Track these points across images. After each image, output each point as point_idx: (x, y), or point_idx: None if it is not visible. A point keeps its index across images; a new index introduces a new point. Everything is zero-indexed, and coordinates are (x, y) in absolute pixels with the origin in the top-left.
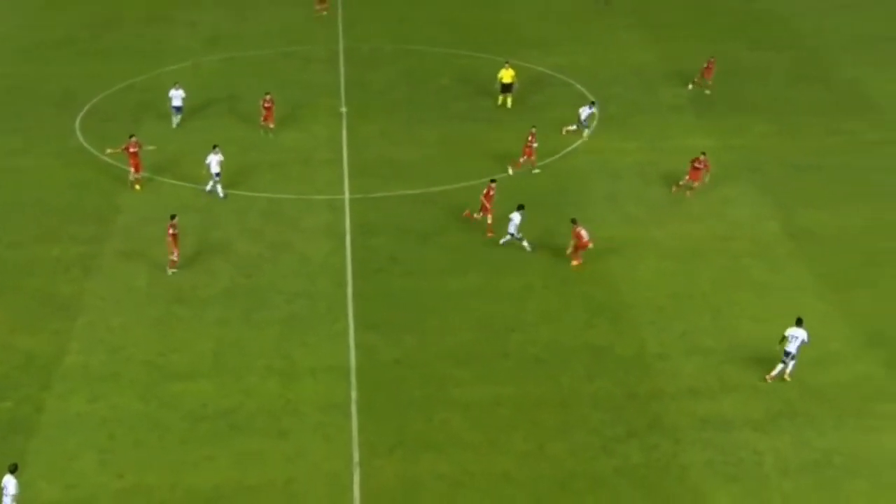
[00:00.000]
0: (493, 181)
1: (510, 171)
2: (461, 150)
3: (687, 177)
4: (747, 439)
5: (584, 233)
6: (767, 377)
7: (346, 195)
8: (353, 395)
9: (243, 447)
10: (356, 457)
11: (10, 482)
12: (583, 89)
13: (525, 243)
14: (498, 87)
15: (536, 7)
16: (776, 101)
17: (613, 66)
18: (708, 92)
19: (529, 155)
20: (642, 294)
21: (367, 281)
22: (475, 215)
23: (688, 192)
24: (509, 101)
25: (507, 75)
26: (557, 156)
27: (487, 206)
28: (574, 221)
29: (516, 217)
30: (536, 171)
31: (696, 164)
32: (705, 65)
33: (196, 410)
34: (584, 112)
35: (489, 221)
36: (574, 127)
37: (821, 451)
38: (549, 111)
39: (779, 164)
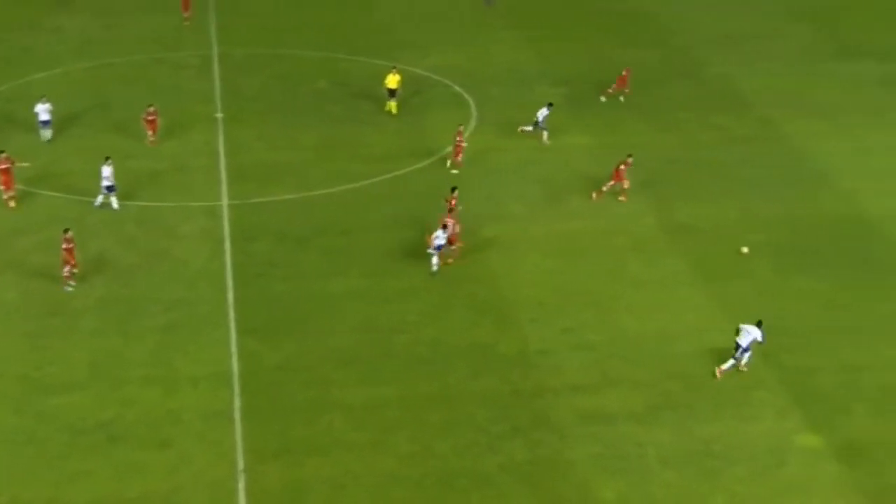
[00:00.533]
0: (454, 189)
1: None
2: (339, 153)
3: (611, 182)
4: (631, 432)
5: (449, 225)
6: (718, 371)
7: (225, 201)
8: (237, 401)
9: (123, 459)
10: (241, 463)
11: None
12: (460, 90)
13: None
14: (385, 91)
15: (411, 8)
16: (649, 97)
17: (490, 67)
18: (622, 99)
19: (458, 154)
20: (524, 291)
21: (248, 286)
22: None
23: (621, 197)
24: (394, 106)
25: (392, 80)
26: (436, 156)
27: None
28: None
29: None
30: (455, 171)
31: (622, 167)
32: (622, 73)
33: (74, 423)
34: (542, 113)
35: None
36: (530, 128)
37: (701, 441)
38: (429, 113)
39: (654, 159)
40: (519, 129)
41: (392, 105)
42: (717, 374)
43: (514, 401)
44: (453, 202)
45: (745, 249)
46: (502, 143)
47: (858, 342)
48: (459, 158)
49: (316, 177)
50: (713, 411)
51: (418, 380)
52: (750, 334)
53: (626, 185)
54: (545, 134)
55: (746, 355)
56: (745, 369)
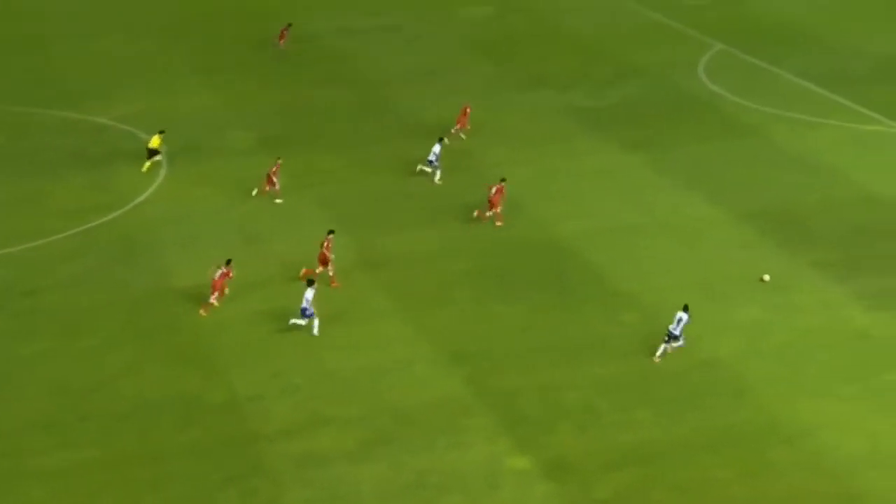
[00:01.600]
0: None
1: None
2: (23, 209)
3: (489, 207)
4: (345, 472)
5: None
6: (655, 358)
7: None
8: None
9: None
10: None
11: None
12: (146, 137)
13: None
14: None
15: (88, 52)
16: (344, 134)
17: (179, 112)
18: (463, 136)
19: (271, 185)
20: (228, 337)
21: None
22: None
23: (497, 223)
24: (148, 165)
25: (155, 141)
26: (128, 207)
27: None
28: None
29: (309, 293)
30: (279, 200)
31: (496, 192)
32: (462, 112)
33: None
34: (435, 150)
35: (331, 273)
36: (428, 168)
37: (416, 473)
38: (116, 164)
39: (351, 194)
40: (417, 169)
41: (147, 165)
42: (656, 360)
43: (225, 450)
44: (327, 245)
45: (766, 277)
46: (196, 190)
47: (557, 362)
48: (269, 188)
49: None
50: (425, 442)
51: (121, 438)
52: (682, 320)
53: (498, 209)
54: (438, 174)
55: (678, 343)
56: (671, 351)
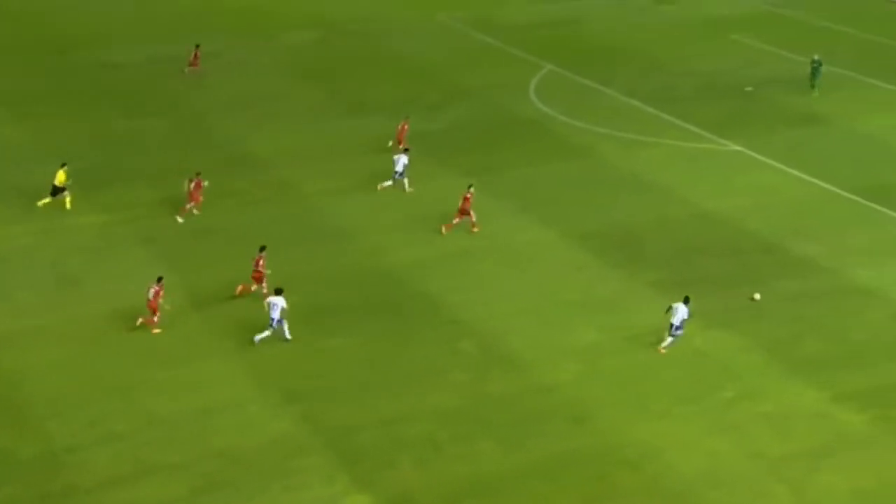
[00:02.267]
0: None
1: (179, 219)
2: None
3: (458, 216)
4: None
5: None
6: (661, 348)
7: None
8: None
9: None
10: None
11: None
12: None
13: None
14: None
15: None
16: (162, 166)
17: None
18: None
19: (196, 200)
20: (42, 386)
21: None
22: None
23: (474, 228)
24: (46, 200)
25: (60, 176)
26: None
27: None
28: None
29: (280, 301)
30: (196, 212)
31: (467, 197)
32: (399, 127)
33: None
34: (401, 162)
35: (264, 290)
36: (389, 182)
37: None
38: None
39: (173, 231)
40: (379, 187)
41: (52, 201)
42: (661, 351)
43: None
44: (261, 262)
45: (756, 296)
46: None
47: (396, 394)
48: (189, 205)
49: None
50: (259, 486)
51: None
52: (679, 312)
53: (473, 216)
54: (406, 182)
55: (679, 332)
56: (663, 349)
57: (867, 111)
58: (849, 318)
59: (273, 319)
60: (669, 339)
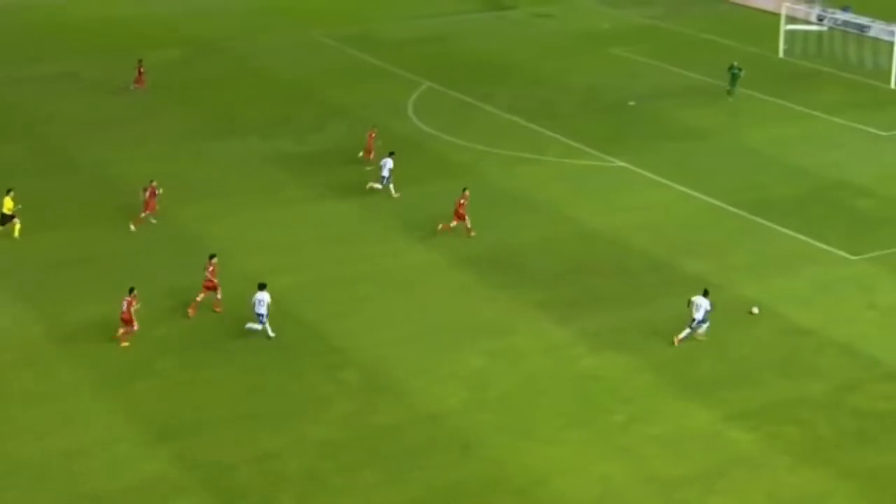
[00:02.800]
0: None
1: (132, 227)
2: None
3: (455, 220)
4: None
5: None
6: (676, 339)
7: None
8: None
9: None
10: None
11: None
12: None
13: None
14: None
15: None
16: (20, 193)
17: None
18: (369, 168)
19: (152, 208)
20: None
21: None
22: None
23: (471, 233)
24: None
25: (7, 203)
26: None
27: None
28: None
29: (265, 297)
30: (154, 221)
31: (461, 202)
32: (368, 136)
33: None
34: (387, 166)
35: (218, 297)
36: (379, 185)
37: None
38: None
39: (37, 263)
40: (367, 187)
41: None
42: (675, 343)
43: None
44: (211, 269)
45: (755, 310)
46: None
47: (274, 426)
48: (144, 214)
49: None
50: None
51: None
52: (701, 306)
53: (468, 222)
54: (392, 188)
55: (704, 326)
56: (703, 338)
57: (751, 124)
58: (738, 336)
59: (261, 315)
60: (687, 332)
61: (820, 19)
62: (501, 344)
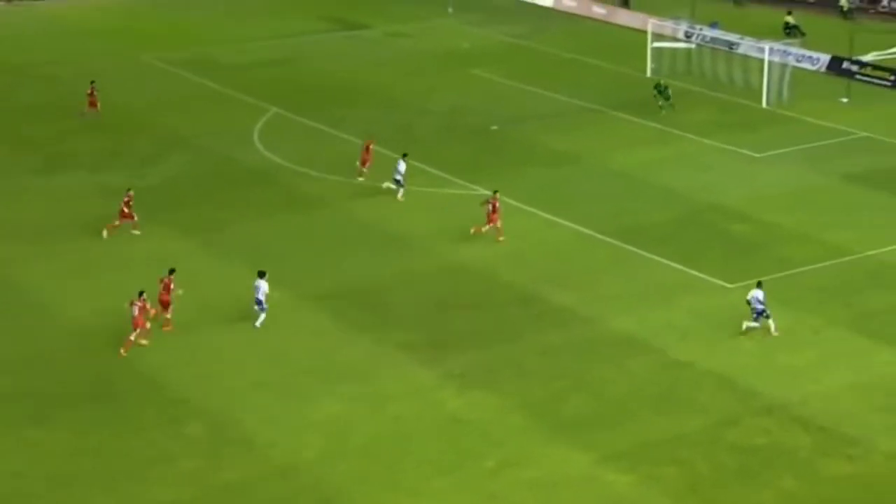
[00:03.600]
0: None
1: (105, 234)
2: None
3: (488, 223)
4: None
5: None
6: (745, 328)
7: None
8: None
9: None
10: None
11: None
12: None
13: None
14: None
15: None
16: None
17: None
18: (361, 179)
19: (129, 218)
20: None
21: None
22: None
23: (500, 238)
24: None
25: None
26: None
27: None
28: None
29: (263, 285)
30: (136, 232)
31: (493, 205)
32: (366, 148)
33: None
34: (402, 167)
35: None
36: (393, 185)
37: None
38: None
39: None
40: (383, 185)
41: None
42: (743, 328)
43: None
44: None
45: (747, 325)
46: None
47: (109, 490)
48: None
49: None
50: None
51: None
52: (758, 298)
53: (498, 224)
54: (401, 191)
55: (770, 321)
56: (776, 333)
57: (620, 147)
58: (611, 371)
59: (259, 301)
60: (755, 324)
61: (688, 36)
62: (362, 389)
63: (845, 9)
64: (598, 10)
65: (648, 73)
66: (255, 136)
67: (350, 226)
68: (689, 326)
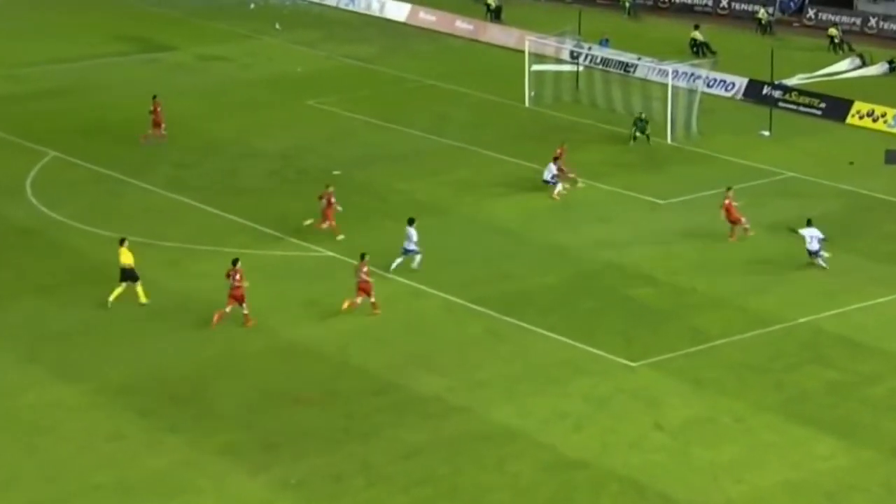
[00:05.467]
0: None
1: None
2: None
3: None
4: None
5: None
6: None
7: None
8: None
9: None
10: None
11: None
12: None
13: None
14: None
15: None
16: None
17: None
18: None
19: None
20: None
21: None
22: None
23: (751, 232)
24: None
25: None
26: None
27: None
28: None
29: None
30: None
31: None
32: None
33: None
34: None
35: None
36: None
37: None
38: None
39: None
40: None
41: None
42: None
43: None
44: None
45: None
46: None
47: None
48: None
49: None
50: None
51: None
52: (814, 237)
53: (745, 223)
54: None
55: (821, 257)
56: (826, 265)
57: (493, 195)
58: (489, 475)
59: (407, 248)
60: (820, 261)
61: (574, 56)
62: None
63: (764, 21)
64: (464, 26)
65: (527, 103)
66: (28, 188)
67: (156, 300)
68: (585, 416)
